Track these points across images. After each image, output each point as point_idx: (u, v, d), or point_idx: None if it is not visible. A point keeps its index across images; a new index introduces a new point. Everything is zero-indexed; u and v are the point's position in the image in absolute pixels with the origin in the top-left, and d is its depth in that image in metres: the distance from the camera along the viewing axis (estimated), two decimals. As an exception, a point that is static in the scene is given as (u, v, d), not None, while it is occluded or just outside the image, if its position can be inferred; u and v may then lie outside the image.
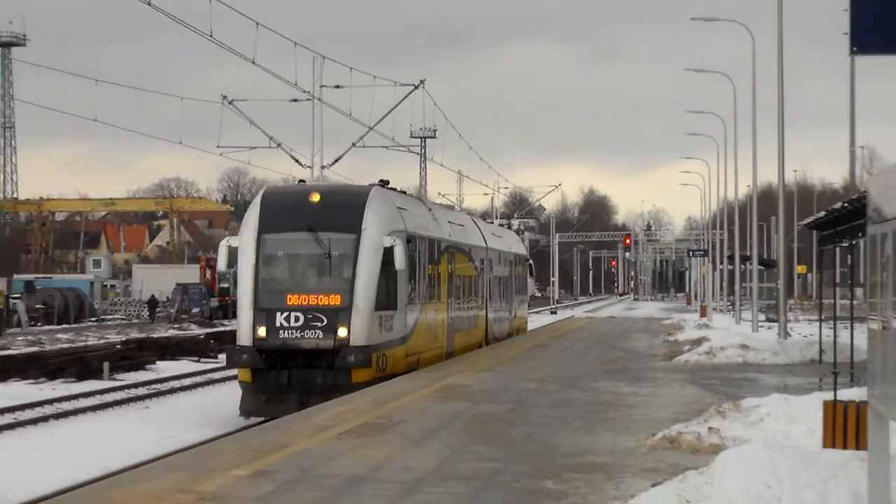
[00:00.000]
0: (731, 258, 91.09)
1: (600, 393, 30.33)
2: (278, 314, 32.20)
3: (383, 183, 38.07)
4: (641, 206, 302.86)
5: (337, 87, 56.22)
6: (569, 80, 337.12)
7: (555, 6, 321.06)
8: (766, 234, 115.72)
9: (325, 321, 32.14)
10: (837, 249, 39.22)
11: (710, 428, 20.90)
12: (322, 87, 52.56)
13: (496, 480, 17.02)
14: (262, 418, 30.15)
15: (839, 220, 30.79)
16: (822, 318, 42.31)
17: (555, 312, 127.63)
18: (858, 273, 35.23)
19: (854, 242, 34.04)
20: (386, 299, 33.59)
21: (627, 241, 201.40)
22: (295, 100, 52.23)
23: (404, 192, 40.76)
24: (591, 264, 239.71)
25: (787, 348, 45.73)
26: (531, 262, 78.17)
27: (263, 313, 32.34)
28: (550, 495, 15.87)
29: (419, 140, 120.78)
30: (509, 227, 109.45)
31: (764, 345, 46.69)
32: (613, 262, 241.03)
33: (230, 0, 37.73)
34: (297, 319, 32.08)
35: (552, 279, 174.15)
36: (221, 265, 36.91)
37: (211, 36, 37.81)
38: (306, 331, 32.07)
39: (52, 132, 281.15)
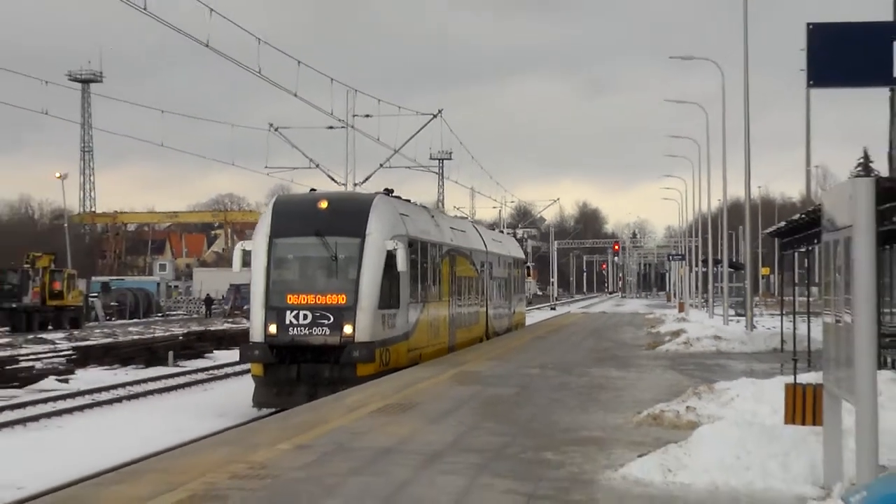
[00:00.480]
0: (704, 261, 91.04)
1: (593, 378, 30.27)
2: (288, 312, 30.30)
3: (388, 191, 36.16)
4: (628, 217, 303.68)
5: (367, 116, 56.39)
6: (566, 108, 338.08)
7: (554, 46, 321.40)
8: (734, 241, 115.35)
9: (332, 319, 30.19)
10: (796, 254, 39.07)
11: (687, 407, 20.87)
12: (354, 116, 52.65)
13: (505, 452, 17.02)
14: (274, 409, 28.21)
15: (797, 229, 30.72)
16: (783, 312, 42.24)
17: (554, 308, 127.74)
18: (814, 274, 35.13)
19: (810, 248, 33.91)
20: (388, 298, 31.60)
21: (616, 247, 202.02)
22: (331, 127, 52.34)
23: (408, 201, 38.88)
24: (584, 267, 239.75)
25: (753, 339, 45.66)
26: (529, 264, 78.05)
27: (274, 312, 30.42)
28: (551, 465, 15.87)
29: (437, 161, 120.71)
30: (514, 235, 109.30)
31: (733, 336, 46.63)
32: (604, 265, 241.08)
33: (276, 41, 37.85)
34: (305, 317, 30.20)
35: (552, 280, 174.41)
36: (236, 267, 33.82)
37: (259, 72, 37.83)
38: (314, 328, 30.16)
39: (125, 155, 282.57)
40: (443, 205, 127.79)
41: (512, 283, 58.91)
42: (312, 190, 35.90)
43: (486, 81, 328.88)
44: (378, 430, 19.19)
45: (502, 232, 79.71)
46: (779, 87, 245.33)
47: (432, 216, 41.23)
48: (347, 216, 31.80)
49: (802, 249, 36.33)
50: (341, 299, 30.46)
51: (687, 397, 22.01)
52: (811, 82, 8.22)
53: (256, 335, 30.48)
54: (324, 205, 31.87)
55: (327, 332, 30.06)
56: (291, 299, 30.48)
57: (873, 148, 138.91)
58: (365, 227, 31.17)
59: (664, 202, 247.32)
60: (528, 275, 71.51)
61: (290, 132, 44.35)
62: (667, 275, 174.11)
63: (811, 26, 8.11)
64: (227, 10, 33.24)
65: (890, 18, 28.59)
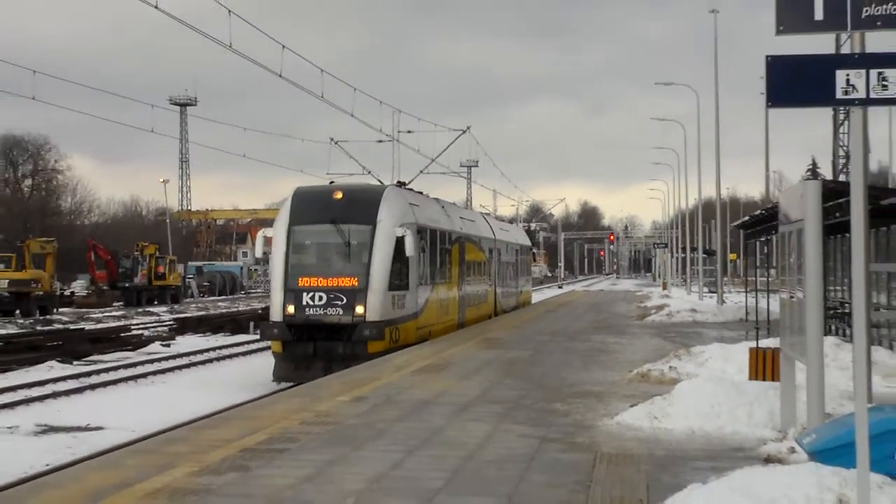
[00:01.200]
0: (683, 249, 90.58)
1: (594, 343, 30.25)
2: (304, 294, 27.03)
3: (400, 184, 33.32)
4: (621, 213, 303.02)
5: (409, 131, 56.49)
6: (571, 124, 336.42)
7: (561, 73, 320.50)
8: (708, 232, 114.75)
9: (345, 300, 26.91)
10: (757, 243, 38.91)
11: (670, 366, 20.84)
12: (399, 132, 52.65)
13: (522, 403, 17.04)
14: (292, 383, 24.64)
15: (759, 222, 30.62)
16: (748, 290, 42.12)
17: (561, 287, 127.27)
18: (772, 259, 35.04)
19: (769, 238, 33.83)
20: (398, 281, 28.13)
21: (611, 237, 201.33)
22: (380, 141, 52.30)
23: (420, 193, 35.37)
24: (586, 253, 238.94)
25: (723, 311, 45.58)
26: (541, 251, 77.75)
27: (292, 293, 27.14)
28: (559, 413, 15.89)
29: (466, 168, 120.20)
30: (528, 228, 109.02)
31: (707, 309, 46.54)
32: (602, 252, 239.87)
33: (336, 72, 37.83)
34: (320, 299, 26.94)
35: (559, 264, 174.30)
36: (258, 252, 30.25)
37: (322, 97, 37.84)
38: (328, 308, 26.89)
39: (215, 164, 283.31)
40: (470, 204, 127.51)
41: (519, 266, 54.92)
42: (332, 182, 32.97)
43: (506, 102, 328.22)
44: (419, 386, 19.24)
45: (512, 223, 78.56)
46: (745, 105, 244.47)
47: (442, 207, 37.18)
48: (360, 205, 28.53)
49: (763, 239, 36.24)
50: (354, 282, 27.31)
51: (669, 359, 22.00)
52: (769, 104, 8.20)
53: (276, 315, 27.41)
54: (339, 195, 28.71)
55: (340, 312, 26.93)
56: (308, 282, 27.35)
57: (820, 157, 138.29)
58: (376, 215, 28.06)
59: (651, 200, 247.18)
60: (534, 260, 69.32)
61: (347, 145, 44.10)
62: (653, 260, 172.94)
63: (769, 58, 8.11)
64: (295, 46, 33.23)
65: (832, 51, 28.41)
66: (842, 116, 41.10)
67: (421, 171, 46.74)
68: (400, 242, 27.97)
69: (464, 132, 50.75)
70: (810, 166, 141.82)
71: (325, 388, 19.01)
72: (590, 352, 27.11)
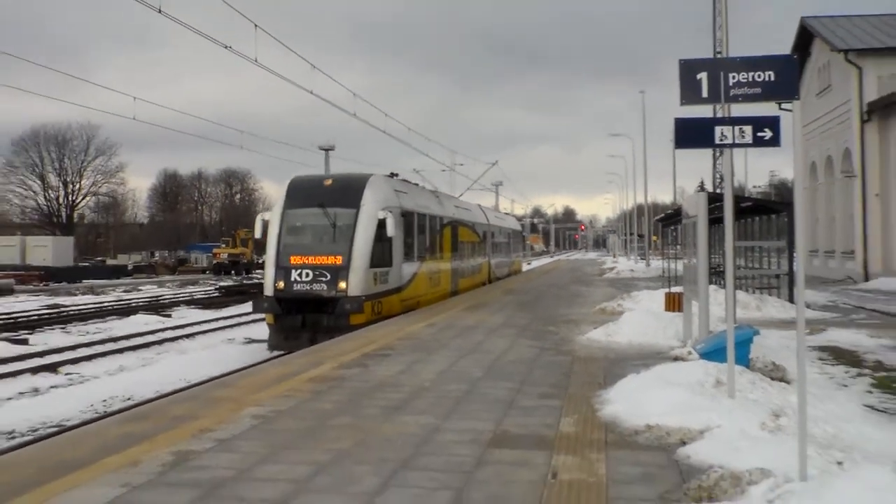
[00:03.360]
0: (625, 233, 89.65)
1: (572, 290, 30.08)
2: (293, 271, 18.99)
3: (392, 174, 23.95)
4: (588, 212, 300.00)
5: (461, 164, 56.55)
6: (559, 160, 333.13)
7: (554, 129, 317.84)
8: (640, 224, 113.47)
9: (329, 276, 18.91)
10: (669, 229, 38.53)
11: (618, 304, 20.72)
12: (454, 164, 52.52)
13: (529, 327, 16.98)
14: (284, 351, 17.97)
15: (670, 217, 30.29)
16: (664, 258, 41.66)
17: (552, 257, 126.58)
18: (678, 239, 34.69)
19: (676, 227, 33.37)
20: (380, 258, 19.88)
21: (582, 227, 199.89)
22: (443, 170, 52.31)
23: (416, 184, 26.86)
24: (567, 237, 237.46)
25: (649, 271, 45.15)
26: (534, 233, 76.84)
27: (283, 270, 19.12)
28: (552, 333, 15.80)
29: (495, 186, 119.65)
30: (533, 224, 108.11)
31: (639, 269, 46.19)
32: (576, 236, 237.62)
33: (417, 129, 37.77)
34: (307, 275, 18.94)
35: (552, 244, 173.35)
36: (257, 233, 20.66)
37: (410, 145, 37.77)
38: (314, 284, 18.88)
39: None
40: (497, 208, 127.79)
41: (510, 245, 44.85)
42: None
43: (520, 146, 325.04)
44: (466, 317, 19.23)
45: (508, 214, 76.82)
46: (663, 145, 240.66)
47: (437, 196, 28.09)
48: (346, 191, 20.30)
49: (673, 227, 35.79)
50: (337, 260, 19.24)
51: (618, 299, 21.85)
52: (676, 146, 8.18)
53: (268, 290, 19.28)
54: (329, 182, 20.65)
55: (325, 288, 18.89)
56: (297, 260, 19.31)
57: (706, 178, 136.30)
58: (360, 200, 19.96)
59: (605, 205, 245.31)
60: (525, 240, 65.42)
61: (424, 172, 44.07)
62: (607, 240, 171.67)
63: (676, 119, 8.11)
64: (394, 113, 33.44)
65: (712, 115, 28.10)
66: (718, 154, 40.61)
67: (467, 189, 46.71)
68: (382, 224, 19.89)
69: (493, 164, 50.74)
70: (700, 184, 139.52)
71: (412, 318, 19.06)
72: (570, 296, 26.98)
